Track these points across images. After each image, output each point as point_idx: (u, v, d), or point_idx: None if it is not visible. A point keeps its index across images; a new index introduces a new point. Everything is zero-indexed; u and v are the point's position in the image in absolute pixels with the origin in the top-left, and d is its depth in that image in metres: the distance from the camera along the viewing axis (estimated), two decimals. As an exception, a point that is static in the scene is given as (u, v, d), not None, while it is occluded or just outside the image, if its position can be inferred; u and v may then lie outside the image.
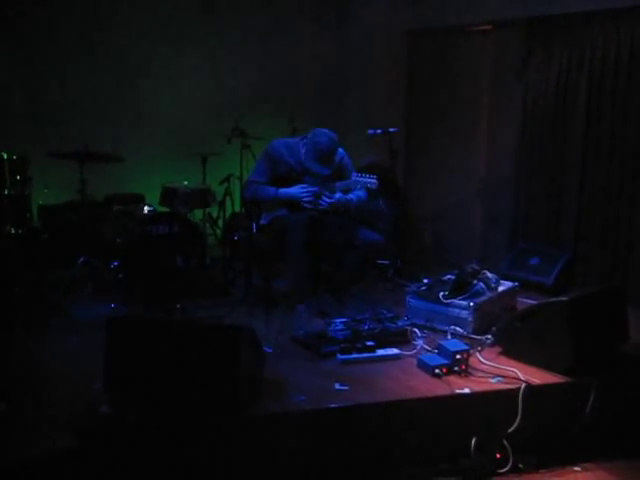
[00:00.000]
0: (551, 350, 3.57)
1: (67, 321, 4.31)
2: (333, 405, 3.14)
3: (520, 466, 3.28)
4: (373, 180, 4.37)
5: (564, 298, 3.59)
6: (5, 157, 4.48)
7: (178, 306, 4.49)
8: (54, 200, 5.40)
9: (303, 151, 4.53)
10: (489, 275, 4.44)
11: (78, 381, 3.37)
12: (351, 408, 3.16)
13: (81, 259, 4.91)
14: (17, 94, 5.70)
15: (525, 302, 4.64)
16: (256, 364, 3.29)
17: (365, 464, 3.17)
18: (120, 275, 4.72)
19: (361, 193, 4.63)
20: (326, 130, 4.48)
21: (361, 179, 4.39)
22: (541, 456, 3.34)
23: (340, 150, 4.66)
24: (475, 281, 4.32)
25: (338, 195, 4.51)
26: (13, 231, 4.50)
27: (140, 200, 5.68)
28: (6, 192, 4.47)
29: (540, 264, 5.29)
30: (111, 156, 5.23)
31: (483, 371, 3.57)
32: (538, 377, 3.48)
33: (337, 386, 3.36)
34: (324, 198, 4.49)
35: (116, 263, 4.76)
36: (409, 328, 4.02)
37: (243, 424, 3.01)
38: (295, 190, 4.53)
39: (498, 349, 3.89)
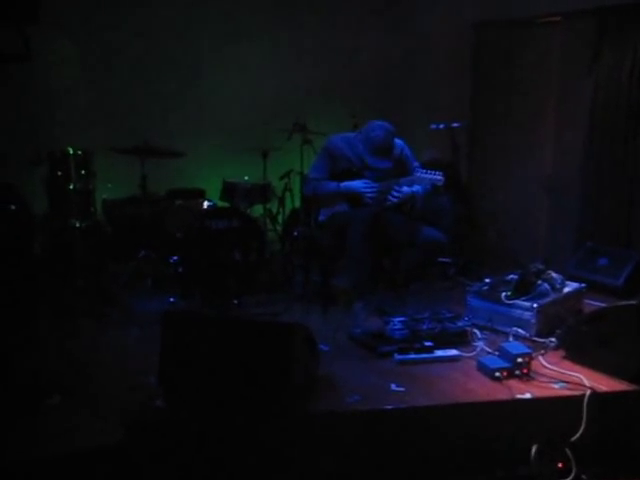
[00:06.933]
0: (619, 356, 3.42)
1: (126, 314, 4.37)
2: (388, 406, 3.09)
3: (584, 477, 3.15)
4: (439, 177, 4.24)
5: (634, 302, 3.47)
6: (71, 152, 4.59)
7: (235, 301, 4.51)
8: (117, 194, 5.49)
9: (361, 146, 4.43)
10: (554, 275, 4.31)
11: (134, 374, 3.41)
12: (406, 410, 3.10)
13: (142, 253, 4.99)
14: (84, 91, 5.83)
15: (592, 304, 4.49)
16: (310, 362, 3.26)
17: (418, 468, 3.10)
18: (179, 269, 4.77)
19: (427, 187, 4.43)
20: (381, 122, 4.38)
21: (426, 175, 4.27)
22: (606, 468, 3.21)
23: (399, 141, 4.55)
24: (539, 281, 4.20)
25: (405, 189, 4.39)
26: (78, 224, 4.62)
27: (201, 195, 5.74)
28: (71, 186, 4.58)
29: (609, 265, 5.09)
30: (172, 151, 5.28)
31: (546, 376, 3.45)
32: (604, 384, 3.34)
33: (393, 387, 3.30)
34: (393, 193, 4.37)
35: (176, 257, 4.81)
36: (469, 329, 3.93)
37: (295, 423, 2.99)
38: (358, 184, 4.45)
39: (562, 353, 3.75)
